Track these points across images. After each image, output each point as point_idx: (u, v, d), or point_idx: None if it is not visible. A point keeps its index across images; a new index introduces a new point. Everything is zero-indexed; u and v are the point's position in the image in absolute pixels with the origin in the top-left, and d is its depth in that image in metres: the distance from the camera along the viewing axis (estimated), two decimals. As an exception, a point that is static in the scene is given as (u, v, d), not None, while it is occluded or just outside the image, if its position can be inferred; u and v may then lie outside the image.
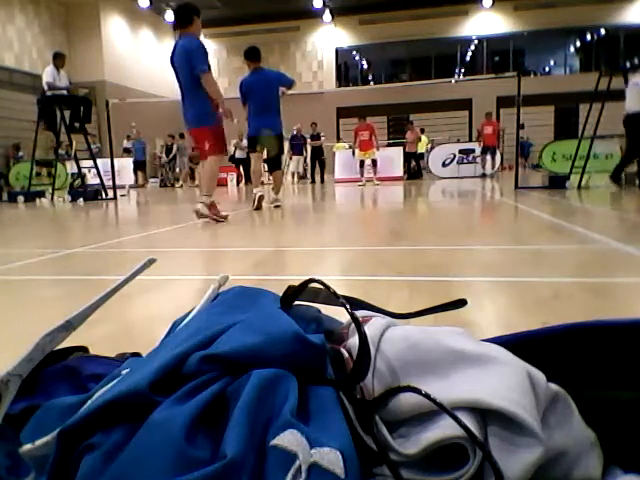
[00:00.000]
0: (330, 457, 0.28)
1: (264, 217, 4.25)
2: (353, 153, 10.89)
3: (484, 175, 11.61)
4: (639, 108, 5.85)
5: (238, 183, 13.75)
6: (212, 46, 22.02)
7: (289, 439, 0.29)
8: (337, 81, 21.60)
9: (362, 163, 10.59)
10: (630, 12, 19.08)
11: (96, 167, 7.66)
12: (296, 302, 0.47)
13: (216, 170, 4.04)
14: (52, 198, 7.76)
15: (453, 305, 0.52)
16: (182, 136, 14.82)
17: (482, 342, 0.38)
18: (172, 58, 3.96)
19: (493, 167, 11.72)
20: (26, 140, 11.36)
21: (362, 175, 10.52)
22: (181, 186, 14.13)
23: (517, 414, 0.30)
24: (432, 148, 13.32)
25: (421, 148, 13.31)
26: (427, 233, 2.85)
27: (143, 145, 14.57)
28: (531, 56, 21.02)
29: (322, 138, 12.71)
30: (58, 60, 6.91)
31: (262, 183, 4.60)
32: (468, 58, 21.19)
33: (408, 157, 12.55)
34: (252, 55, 4.79)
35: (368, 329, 0.38)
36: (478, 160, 11.92)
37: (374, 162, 10.59)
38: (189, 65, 3.76)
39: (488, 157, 11.66)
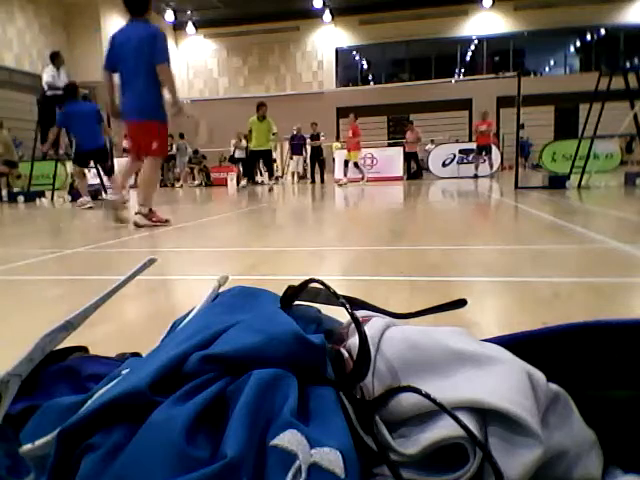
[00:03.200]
0: (330, 457, 0.28)
1: (264, 217, 4.25)
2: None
3: (476, 176, 11.54)
4: None
5: (238, 183, 13.74)
6: (212, 46, 22.05)
7: (289, 439, 0.29)
8: (337, 81, 21.62)
9: (346, 163, 10.72)
10: (630, 12, 19.08)
11: (96, 167, 7.65)
12: (296, 302, 0.47)
13: (157, 175, 3.75)
14: (52, 198, 7.76)
15: (453, 305, 0.52)
16: (182, 136, 14.82)
17: (482, 342, 0.38)
18: (118, 42, 3.49)
19: (491, 167, 11.69)
20: (26, 140, 11.36)
21: (345, 175, 10.65)
22: (181, 186, 14.12)
23: (517, 414, 0.30)
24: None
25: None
26: (427, 233, 2.85)
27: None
28: (531, 56, 21.01)
29: (322, 138, 12.71)
30: (57, 60, 6.90)
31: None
32: (468, 58, 21.19)
33: (408, 157, 12.54)
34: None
35: (368, 329, 0.38)
36: (472, 159, 11.88)
37: (355, 164, 10.72)
38: (148, 53, 3.39)
39: (483, 158, 11.57)
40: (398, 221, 3.53)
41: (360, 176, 10.72)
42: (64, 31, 16.62)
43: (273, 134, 9.08)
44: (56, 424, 0.32)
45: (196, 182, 14.68)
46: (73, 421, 0.31)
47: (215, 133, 18.15)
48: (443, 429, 0.31)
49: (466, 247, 2.28)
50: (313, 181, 12.81)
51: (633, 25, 19.02)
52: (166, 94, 3.61)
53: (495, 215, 3.84)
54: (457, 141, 14.28)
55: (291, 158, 13.63)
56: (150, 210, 3.58)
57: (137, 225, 3.51)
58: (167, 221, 3.66)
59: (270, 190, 9.11)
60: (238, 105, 19.20)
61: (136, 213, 3.56)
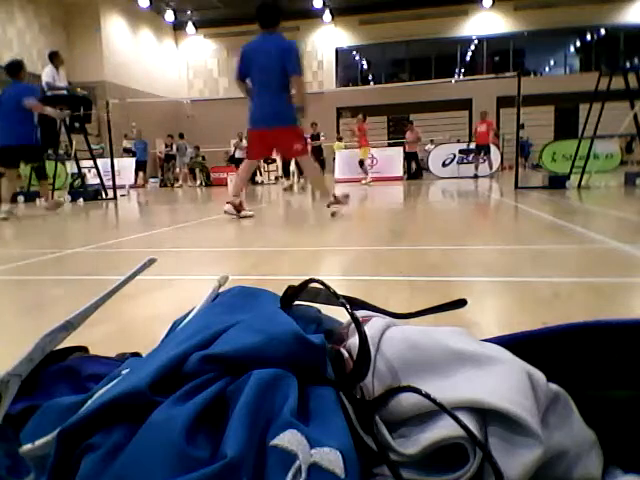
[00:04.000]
0: (330, 457, 0.28)
1: (263, 217, 4.25)
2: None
3: (476, 176, 11.55)
4: None
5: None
6: (212, 46, 22.05)
7: (289, 439, 0.29)
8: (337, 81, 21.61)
9: (362, 162, 10.77)
10: (630, 12, 19.08)
11: (96, 167, 7.66)
12: (296, 302, 0.47)
13: (317, 167, 4.14)
14: (52, 198, 7.76)
15: (453, 305, 0.52)
16: (181, 136, 14.82)
17: (482, 342, 0.38)
18: (251, 55, 3.76)
19: (491, 167, 11.68)
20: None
21: (366, 173, 10.67)
22: (180, 186, 14.12)
23: (517, 414, 0.30)
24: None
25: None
26: (427, 233, 2.85)
27: (144, 145, 14.56)
28: (531, 56, 21.01)
29: (322, 138, 12.71)
30: (56, 59, 6.88)
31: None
32: (468, 58, 21.19)
33: (408, 157, 12.54)
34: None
35: (368, 329, 0.38)
36: (472, 159, 11.88)
37: (360, 162, 10.76)
38: (282, 64, 3.65)
39: (482, 158, 11.57)
40: (398, 221, 3.53)
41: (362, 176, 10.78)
42: (64, 31, 16.62)
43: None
44: (56, 424, 0.32)
45: (197, 182, 14.68)
46: (73, 421, 0.31)
47: (216, 133, 18.11)
48: (443, 429, 0.31)
49: (466, 247, 2.28)
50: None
51: (633, 25, 19.02)
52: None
53: (495, 215, 3.84)
54: (458, 141, 14.29)
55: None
56: (334, 196, 3.92)
57: (334, 215, 3.81)
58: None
59: (302, 188, 9.45)
60: (238, 105, 19.23)
61: (328, 205, 3.92)
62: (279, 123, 3.76)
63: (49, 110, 5.00)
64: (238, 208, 3.94)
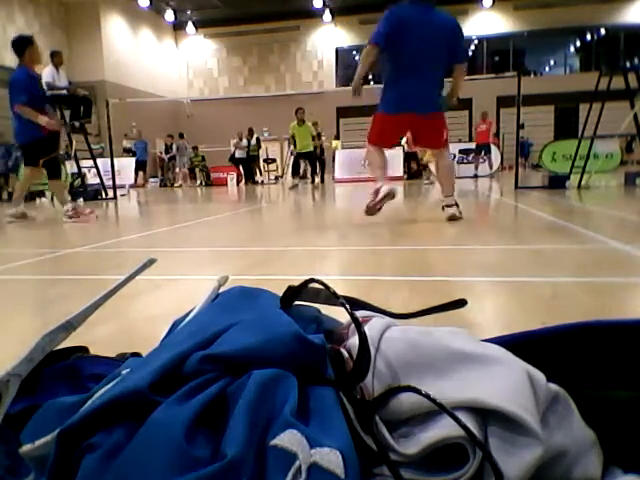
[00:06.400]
0: (330, 457, 0.28)
1: (263, 217, 4.25)
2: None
3: (476, 176, 11.53)
4: None
5: (238, 183, 13.76)
6: (212, 46, 22.05)
7: (289, 439, 0.29)
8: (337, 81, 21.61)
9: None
10: (630, 12, 19.08)
11: (96, 167, 7.66)
12: (296, 302, 0.47)
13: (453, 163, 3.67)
14: (52, 198, 7.76)
15: (453, 305, 0.52)
16: (181, 136, 14.82)
17: (482, 342, 0.38)
18: (408, 23, 3.10)
19: (491, 167, 11.68)
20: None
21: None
22: (180, 186, 14.13)
23: (517, 414, 0.30)
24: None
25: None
26: (427, 233, 2.85)
27: (144, 145, 14.57)
28: (531, 56, 21.00)
29: (322, 138, 12.72)
30: (56, 58, 6.87)
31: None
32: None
33: (408, 157, 12.54)
34: None
35: (368, 329, 0.38)
36: (472, 159, 11.85)
37: (424, 166, 10.44)
38: (449, 48, 3.15)
39: (482, 157, 11.56)
40: (398, 221, 3.53)
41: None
42: (64, 31, 16.61)
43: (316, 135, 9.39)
44: (56, 424, 0.32)
45: (197, 182, 14.69)
46: (73, 421, 0.31)
47: (216, 133, 18.08)
48: (443, 429, 0.31)
49: (466, 247, 2.28)
50: (313, 181, 12.82)
51: (633, 25, 19.02)
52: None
53: (495, 215, 3.84)
54: (460, 141, 14.30)
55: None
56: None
57: (454, 218, 3.27)
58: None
59: (316, 187, 9.58)
60: (238, 105, 19.23)
61: (446, 206, 3.36)
62: (433, 109, 3.26)
63: (43, 121, 4.28)
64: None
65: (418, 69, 3.14)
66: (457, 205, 3.34)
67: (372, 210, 3.36)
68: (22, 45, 4.41)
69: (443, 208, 3.40)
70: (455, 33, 3.18)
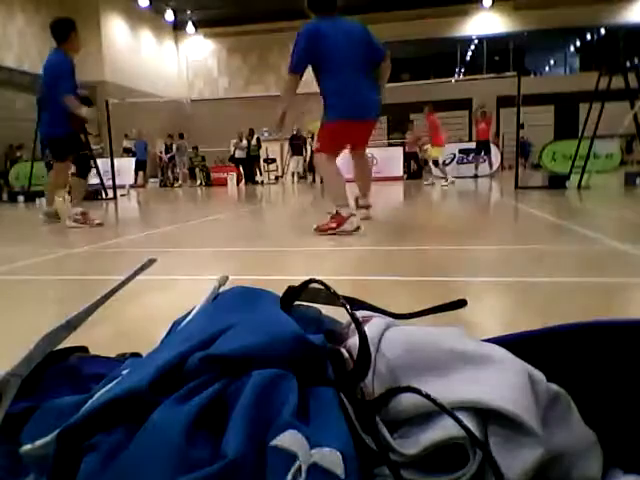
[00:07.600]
0: (330, 457, 0.28)
1: (264, 217, 4.25)
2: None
3: (476, 176, 11.51)
4: None
5: (238, 183, 13.76)
6: (212, 46, 22.04)
7: (289, 439, 0.29)
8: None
9: (436, 162, 9.49)
10: (630, 12, 19.07)
11: (96, 167, 7.65)
12: (296, 302, 0.47)
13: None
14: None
15: (453, 305, 0.52)
16: (181, 136, 14.82)
17: (482, 342, 0.38)
18: (323, 37, 3.12)
19: (491, 167, 11.66)
20: (26, 140, 11.34)
21: (445, 174, 9.24)
22: (180, 186, 14.13)
23: (517, 414, 0.30)
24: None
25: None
26: (427, 233, 2.85)
27: (144, 145, 14.57)
28: (531, 56, 21.00)
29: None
30: None
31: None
32: (468, 58, 21.17)
33: (408, 157, 12.54)
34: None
35: (368, 329, 0.38)
36: (472, 159, 11.82)
37: (435, 162, 9.64)
38: (369, 48, 3.23)
39: (483, 157, 11.51)
40: (398, 221, 3.53)
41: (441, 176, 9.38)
42: (64, 31, 16.60)
43: None
44: (56, 424, 0.32)
45: (197, 182, 14.68)
46: (73, 421, 0.31)
47: (216, 133, 18.07)
48: (443, 429, 0.31)
49: (466, 247, 2.27)
50: (314, 181, 12.83)
51: (633, 25, 19.02)
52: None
53: (495, 215, 3.84)
54: (460, 140, 14.30)
55: (291, 157, 13.67)
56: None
57: (368, 218, 3.39)
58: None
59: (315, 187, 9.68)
60: (238, 105, 19.22)
61: (364, 207, 3.51)
62: (375, 114, 3.28)
63: (84, 112, 3.89)
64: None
65: (349, 73, 3.14)
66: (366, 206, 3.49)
67: (323, 233, 2.98)
68: (66, 29, 3.95)
69: (358, 207, 3.43)
70: (366, 32, 3.29)
